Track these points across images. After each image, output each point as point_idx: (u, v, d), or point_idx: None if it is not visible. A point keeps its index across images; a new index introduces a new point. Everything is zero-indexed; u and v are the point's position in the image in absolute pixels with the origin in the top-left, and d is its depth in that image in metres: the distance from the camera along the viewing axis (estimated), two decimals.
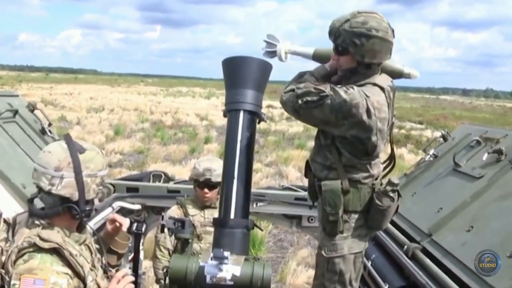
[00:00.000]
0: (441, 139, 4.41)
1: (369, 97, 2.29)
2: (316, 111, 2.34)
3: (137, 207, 4.46)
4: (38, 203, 1.90)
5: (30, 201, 1.92)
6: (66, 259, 1.80)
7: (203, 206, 3.49)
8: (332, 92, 2.29)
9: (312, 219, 4.61)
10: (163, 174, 4.94)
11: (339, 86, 2.35)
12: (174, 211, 3.49)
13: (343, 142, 2.42)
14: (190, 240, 2.52)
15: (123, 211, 4.49)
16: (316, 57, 2.73)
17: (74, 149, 1.86)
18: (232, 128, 2.43)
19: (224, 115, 2.53)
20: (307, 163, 2.71)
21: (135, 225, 4.52)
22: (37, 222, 1.85)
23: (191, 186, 3.70)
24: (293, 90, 2.41)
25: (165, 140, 18.25)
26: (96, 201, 3.02)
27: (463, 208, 3.13)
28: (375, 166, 2.53)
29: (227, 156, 2.45)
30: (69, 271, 1.81)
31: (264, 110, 2.58)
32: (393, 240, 3.43)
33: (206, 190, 3.39)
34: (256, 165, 12.55)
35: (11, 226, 1.88)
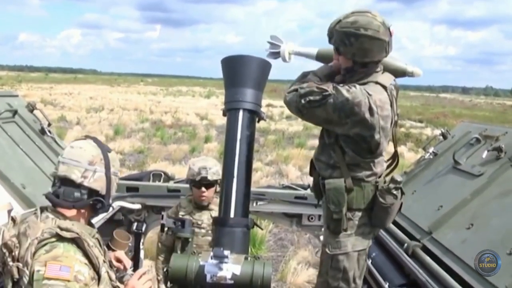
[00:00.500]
0: (441, 137, 4.41)
1: (371, 95, 2.32)
2: (319, 110, 2.37)
3: (137, 206, 4.47)
4: (62, 198, 1.93)
5: (53, 193, 1.95)
6: (84, 250, 1.84)
7: (197, 207, 3.49)
8: (334, 91, 2.32)
9: (312, 218, 4.61)
10: (163, 174, 4.93)
11: (341, 85, 2.38)
12: (172, 211, 3.53)
13: (346, 140, 2.45)
14: (190, 239, 2.52)
15: (123, 211, 4.49)
16: (319, 57, 2.78)
17: (105, 148, 2.02)
18: (232, 127, 2.43)
19: (224, 114, 2.53)
20: (311, 162, 2.74)
21: (135, 224, 4.54)
22: (51, 216, 1.89)
23: None
24: (296, 90, 2.44)
25: (165, 140, 18.23)
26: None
27: (463, 206, 3.13)
28: (378, 164, 2.55)
29: (227, 155, 2.45)
30: (87, 262, 1.84)
31: (263, 109, 2.58)
32: (393, 238, 3.43)
33: (203, 189, 3.38)
34: (256, 164, 12.55)
35: (17, 224, 1.89)
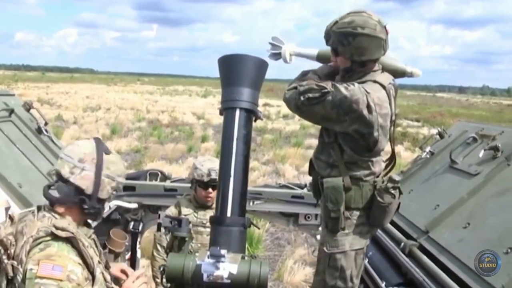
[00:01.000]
0: (438, 136, 4.42)
1: (369, 93, 2.35)
2: (318, 107, 2.40)
3: (133, 205, 4.47)
4: (53, 193, 1.96)
5: (48, 187, 1.97)
6: (78, 250, 1.84)
7: (200, 206, 3.48)
8: (333, 89, 2.36)
9: (309, 217, 4.62)
10: (159, 173, 4.93)
11: (340, 83, 2.41)
12: (170, 210, 3.50)
13: (345, 138, 2.47)
14: (187, 239, 2.51)
15: (120, 210, 4.48)
16: (320, 58, 2.82)
17: (101, 148, 1.99)
18: (229, 126, 2.42)
19: (221, 113, 2.53)
20: (311, 161, 2.76)
21: (132, 224, 4.53)
22: (48, 214, 1.90)
23: (188, 185, 3.69)
24: (295, 87, 2.48)
25: (162, 139, 18.24)
26: (106, 207, 3.02)
27: (460, 205, 3.14)
28: (376, 163, 2.57)
29: (224, 154, 2.44)
30: (81, 262, 1.84)
31: (260, 108, 2.58)
32: (390, 237, 3.44)
33: (210, 190, 3.38)
34: (253, 163, 12.56)
35: (15, 222, 1.89)
